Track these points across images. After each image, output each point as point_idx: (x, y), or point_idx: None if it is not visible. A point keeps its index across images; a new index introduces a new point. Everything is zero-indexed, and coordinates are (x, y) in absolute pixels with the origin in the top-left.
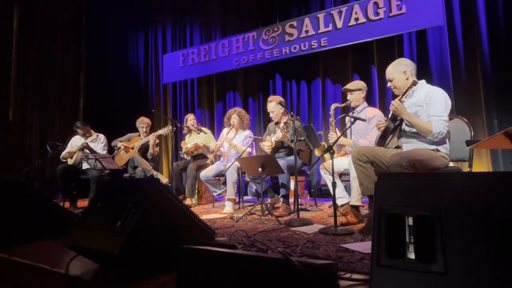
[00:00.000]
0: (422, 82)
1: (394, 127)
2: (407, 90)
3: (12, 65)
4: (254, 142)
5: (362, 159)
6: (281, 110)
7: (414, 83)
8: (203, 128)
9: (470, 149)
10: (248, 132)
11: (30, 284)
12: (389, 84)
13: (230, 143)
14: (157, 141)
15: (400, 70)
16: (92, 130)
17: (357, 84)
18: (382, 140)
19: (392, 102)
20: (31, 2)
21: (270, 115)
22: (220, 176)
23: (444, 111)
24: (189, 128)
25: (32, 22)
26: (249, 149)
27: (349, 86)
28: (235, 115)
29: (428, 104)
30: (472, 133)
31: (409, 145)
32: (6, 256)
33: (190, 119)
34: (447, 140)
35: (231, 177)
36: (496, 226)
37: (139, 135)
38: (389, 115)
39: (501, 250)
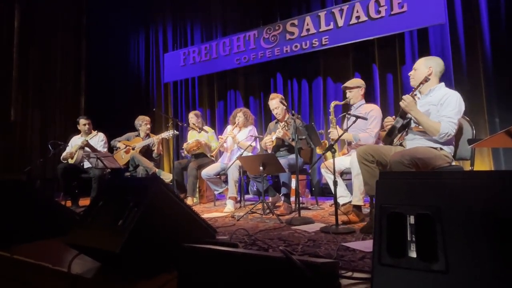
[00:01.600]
0: (442, 84)
1: (402, 125)
2: (417, 86)
3: (13, 65)
4: (256, 140)
5: (368, 158)
6: (284, 107)
7: (426, 79)
8: (205, 127)
9: (472, 148)
10: (251, 127)
11: (31, 283)
12: (411, 72)
13: (234, 139)
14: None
15: (427, 65)
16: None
17: (356, 81)
18: (388, 137)
19: (403, 96)
20: (32, 2)
21: (274, 112)
22: (222, 174)
23: (456, 114)
24: (191, 125)
25: (32, 22)
26: (254, 143)
27: (348, 84)
28: (240, 113)
29: (442, 105)
30: (474, 131)
31: (414, 142)
32: (8, 255)
33: (192, 117)
34: (453, 141)
35: (233, 175)
36: (496, 225)
37: (138, 135)
38: (399, 112)
39: (502, 249)
